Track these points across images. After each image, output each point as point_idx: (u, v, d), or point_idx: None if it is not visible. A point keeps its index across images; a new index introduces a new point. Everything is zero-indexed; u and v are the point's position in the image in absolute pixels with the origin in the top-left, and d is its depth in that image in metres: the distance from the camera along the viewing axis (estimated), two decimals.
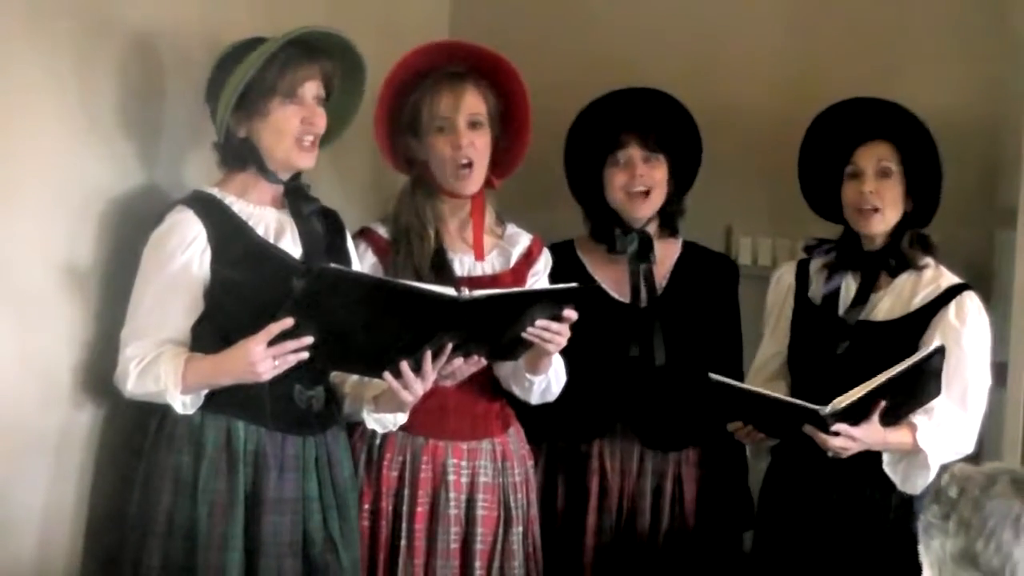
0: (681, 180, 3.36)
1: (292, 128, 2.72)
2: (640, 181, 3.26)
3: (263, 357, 2.55)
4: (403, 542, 2.99)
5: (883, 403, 2.87)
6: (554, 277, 3.14)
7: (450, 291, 2.60)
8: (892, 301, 3.12)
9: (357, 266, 2.92)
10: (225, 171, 2.79)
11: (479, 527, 3.03)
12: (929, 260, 3.14)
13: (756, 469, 3.36)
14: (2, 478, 2.57)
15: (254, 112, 2.71)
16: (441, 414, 3.00)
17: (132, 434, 2.75)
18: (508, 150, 3.11)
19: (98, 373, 2.72)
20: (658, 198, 3.30)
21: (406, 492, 3.01)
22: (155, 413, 2.69)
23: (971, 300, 3.07)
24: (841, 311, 3.15)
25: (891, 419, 2.93)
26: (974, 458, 2.90)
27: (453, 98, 2.99)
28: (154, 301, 2.66)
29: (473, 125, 3.00)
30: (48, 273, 2.64)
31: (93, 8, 2.70)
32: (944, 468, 2.61)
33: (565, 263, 3.26)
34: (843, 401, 2.84)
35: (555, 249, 3.26)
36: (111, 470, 2.79)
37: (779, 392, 3.10)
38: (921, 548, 1.82)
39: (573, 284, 2.90)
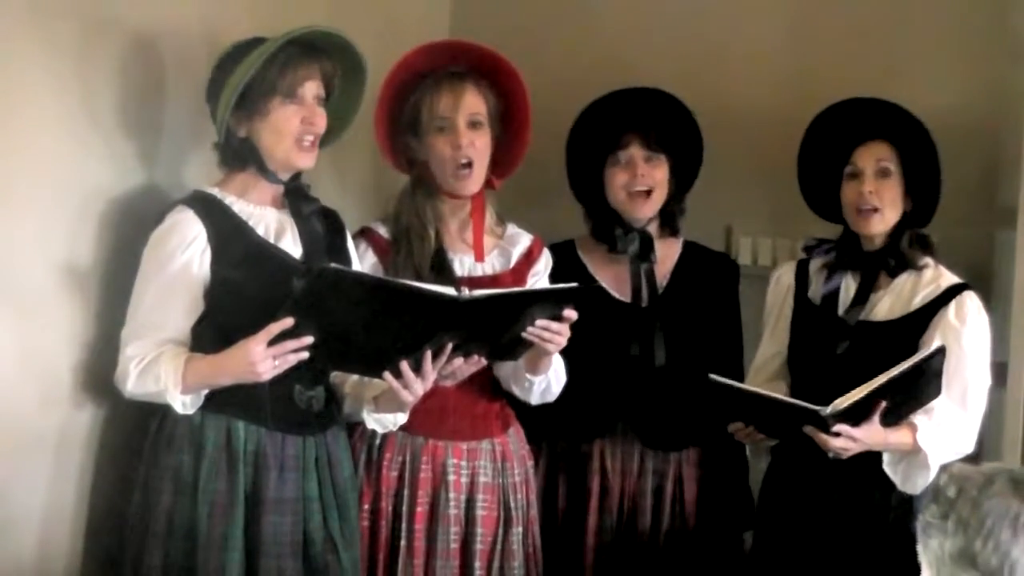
0: (682, 180, 3.36)
1: (292, 128, 2.72)
2: (641, 181, 3.26)
3: (263, 357, 2.55)
4: (403, 542, 2.99)
5: (884, 403, 2.87)
6: (555, 277, 3.14)
7: (450, 291, 2.60)
8: (892, 301, 3.12)
9: (357, 266, 2.92)
10: (225, 171, 2.79)
11: (479, 527, 3.03)
12: (928, 260, 3.14)
13: (756, 469, 3.36)
14: (2, 478, 2.57)
15: (254, 112, 2.71)
16: (441, 414, 3.01)
17: (132, 434, 2.75)
18: (508, 150, 3.10)
19: (98, 373, 2.72)
20: (659, 198, 3.30)
21: (406, 492, 3.01)
22: (155, 413, 2.69)
23: (971, 300, 3.07)
24: (841, 311, 3.15)
25: (892, 419, 2.93)
26: (974, 458, 2.90)
27: (453, 98, 2.99)
28: (154, 301, 2.66)
29: (473, 125, 3.00)
30: (48, 273, 2.64)
31: (93, 8, 2.70)
32: (943, 468, 2.61)
33: (566, 263, 3.26)
34: (844, 402, 2.84)
35: (556, 249, 3.26)
36: (111, 470, 2.79)
37: (779, 392, 3.10)
38: (920, 548, 1.82)
39: (573, 284, 2.89)
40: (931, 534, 1.80)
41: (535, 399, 3.08)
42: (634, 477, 3.28)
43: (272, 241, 2.75)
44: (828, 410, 2.84)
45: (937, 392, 2.95)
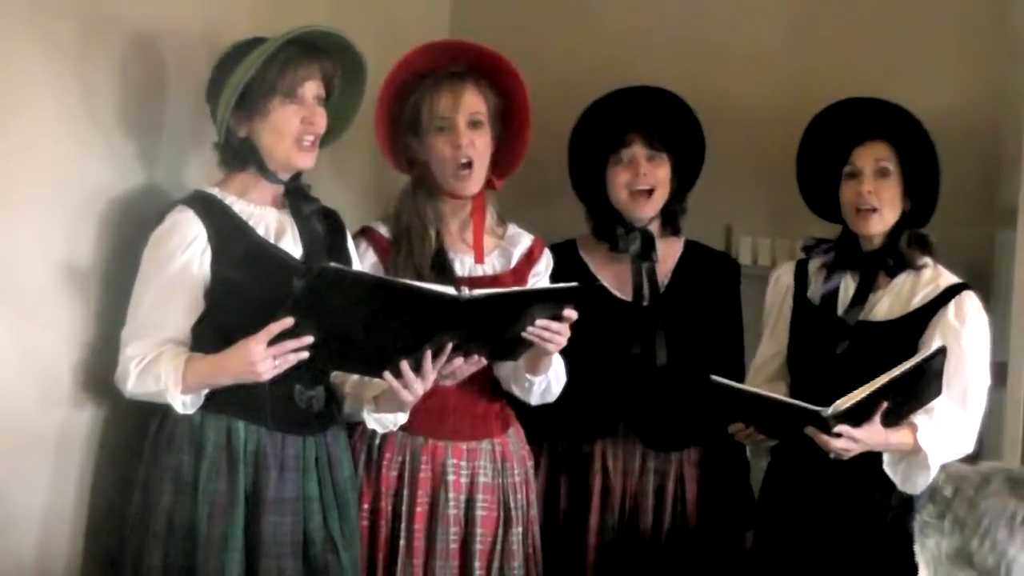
0: (684, 179, 3.36)
1: (292, 128, 2.72)
2: (643, 180, 3.26)
3: (263, 357, 2.55)
4: (402, 542, 2.99)
5: (885, 404, 2.87)
6: (556, 276, 3.14)
7: (450, 290, 2.60)
8: (891, 301, 3.12)
9: (357, 266, 2.92)
10: (225, 171, 2.79)
11: (478, 527, 3.03)
12: (927, 260, 3.14)
13: (756, 469, 3.36)
14: (2, 478, 2.58)
15: (254, 112, 2.71)
16: (441, 414, 3.01)
17: (132, 434, 2.76)
18: (509, 150, 3.10)
19: (98, 373, 2.72)
20: (661, 197, 3.30)
21: (405, 492, 3.01)
22: (155, 413, 2.69)
23: (970, 300, 3.07)
24: (840, 311, 3.15)
25: (892, 420, 2.93)
26: (974, 458, 2.90)
27: (453, 98, 2.99)
28: (154, 301, 2.66)
29: (473, 125, 3.00)
30: (48, 273, 2.64)
31: (93, 8, 2.70)
32: (941, 468, 2.61)
33: (567, 262, 3.26)
34: (845, 402, 2.84)
35: (557, 249, 3.26)
36: (111, 470, 2.80)
37: (779, 393, 3.10)
38: (917, 547, 1.82)
39: (573, 283, 2.89)
40: (928, 534, 1.80)
41: (535, 399, 3.08)
42: (635, 477, 3.28)
43: (272, 241, 2.75)
44: (829, 411, 2.84)
45: (938, 392, 2.95)
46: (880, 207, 3.09)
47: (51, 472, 2.69)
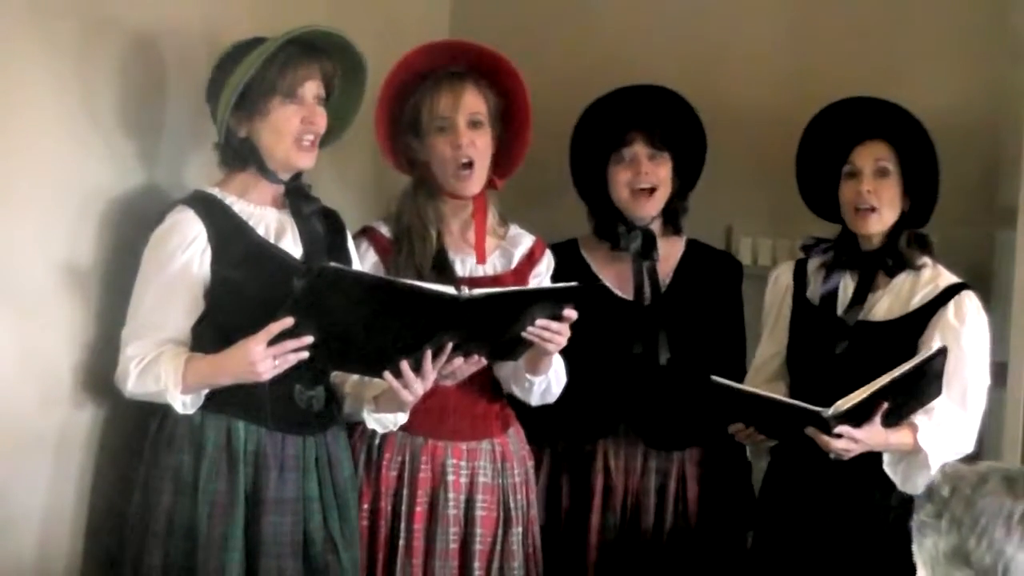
0: (685, 178, 3.37)
1: (292, 128, 2.72)
2: (645, 179, 3.27)
3: (263, 357, 2.55)
4: (401, 542, 2.99)
5: (885, 404, 2.87)
6: (558, 276, 3.14)
7: (450, 290, 2.60)
8: (891, 301, 3.12)
9: (358, 266, 2.91)
10: (225, 171, 2.79)
11: (478, 527, 3.03)
12: (927, 260, 3.14)
13: (756, 469, 3.36)
14: (2, 478, 2.57)
15: (254, 112, 2.71)
16: (441, 414, 3.01)
17: (132, 434, 2.75)
18: (509, 150, 3.10)
19: (98, 373, 2.72)
20: (662, 196, 3.30)
21: (405, 492, 3.01)
22: (155, 413, 2.69)
23: (970, 300, 3.07)
24: (839, 311, 3.15)
25: (892, 420, 2.93)
26: (974, 458, 2.90)
27: (453, 98, 2.99)
28: (154, 301, 2.66)
29: (473, 125, 3.00)
30: (48, 273, 2.64)
31: (93, 8, 2.70)
32: (940, 467, 2.61)
33: (569, 262, 3.26)
34: (846, 403, 2.84)
35: (559, 248, 3.26)
36: (111, 470, 2.79)
37: (779, 393, 3.10)
38: (915, 547, 1.82)
39: (573, 283, 2.89)
40: (925, 533, 1.80)
41: (535, 400, 3.08)
42: (637, 476, 3.28)
43: (272, 241, 2.75)
44: (830, 411, 2.84)
45: (938, 392, 2.95)
46: (879, 207, 3.10)
47: (51, 472, 2.69)
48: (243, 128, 2.73)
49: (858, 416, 2.87)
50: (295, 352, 2.56)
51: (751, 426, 3.09)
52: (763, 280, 3.39)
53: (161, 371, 2.61)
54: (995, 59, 3.71)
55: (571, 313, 2.77)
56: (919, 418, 2.98)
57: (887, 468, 3.01)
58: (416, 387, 2.67)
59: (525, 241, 3.14)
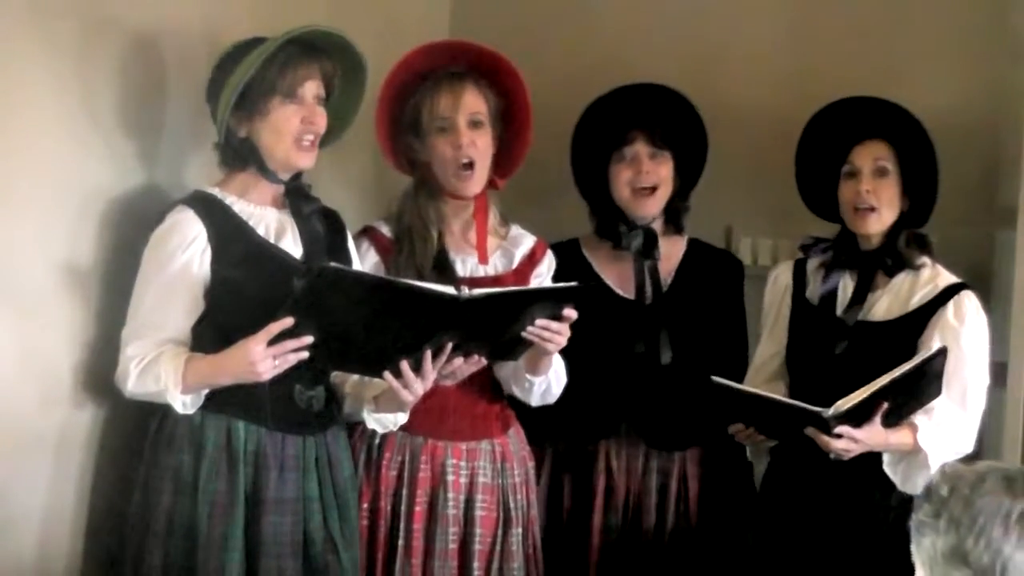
0: (687, 177, 3.37)
1: (292, 128, 2.72)
2: (646, 178, 3.27)
3: (263, 357, 2.55)
4: (401, 542, 2.99)
5: (885, 405, 2.87)
6: (559, 276, 3.14)
7: (450, 290, 2.59)
8: (890, 301, 3.12)
9: (358, 266, 2.91)
10: (226, 171, 2.79)
11: (477, 528, 3.03)
12: (926, 259, 3.14)
13: (756, 469, 3.35)
14: (2, 478, 2.57)
15: (254, 112, 2.71)
16: (441, 414, 3.00)
17: (132, 434, 2.75)
18: (510, 150, 3.10)
19: (98, 373, 2.72)
20: (663, 195, 3.30)
21: (404, 492, 3.01)
22: (155, 413, 2.69)
23: (969, 299, 3.07)
24: (839, 311, 3.15)
25: (892, 420, 2.93)
26: (974, 457, 2.90)
27: (453, 98, 2.99)
28: (155, 301, 2.66)
29: (474, 125, 3.00)
30: (48, 273, 2.64)
31: (93, 8, 2.69)
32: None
33: (570, 261, 3.26)
34: (846, 403, 2.84)
35: (560, 248, 3.26)
36: (111, 470, 2.79)
37: (778, 393, 3.10)
38: (913, 547, 1.82)
39: (573, 283, 2.89)
40: (924, 533, 1.80)
41: (535, 400, 3.08)
42: (639, 476, 3.28)
43: (272, 241, 2.75)
44: (830, 412, 2.84)
45: (938, 392, 2.96)
46: (878, 206, 3.10)
47: (51, 472, 2.69)
48: (243, 128, 2.73)
49: (858, 416, 2.87)
50: (295, 352, 2.56)
51: (751, 426, 3.09)
52: (763, 280, 3.39)
53: (161, 371, 2.61)
54: (995, 59, 3.71)
55: (571, 313, 2.77)
56: (919, 418, 2.98)
57: (887, 468, 3.01)
58: (416, 387, 2.67)
59: (526, 241, 3.14)
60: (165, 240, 2.66)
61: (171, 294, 2.65)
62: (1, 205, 2.50)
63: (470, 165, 2.99)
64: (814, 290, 3.22)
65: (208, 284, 2.68)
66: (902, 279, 3.13)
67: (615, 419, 3.27)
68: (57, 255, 2.65)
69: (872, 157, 3.11)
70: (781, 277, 3.30)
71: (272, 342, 2.54)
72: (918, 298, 3.09)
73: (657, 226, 3.33)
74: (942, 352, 2.91)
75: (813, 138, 3.24)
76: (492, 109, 3.04)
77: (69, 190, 2.67)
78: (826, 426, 2.86)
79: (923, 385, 2.93)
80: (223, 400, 2.66)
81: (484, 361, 2.77)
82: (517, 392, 3.08)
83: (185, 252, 2.65)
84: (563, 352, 2.92)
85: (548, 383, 3.05)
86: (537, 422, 3.20)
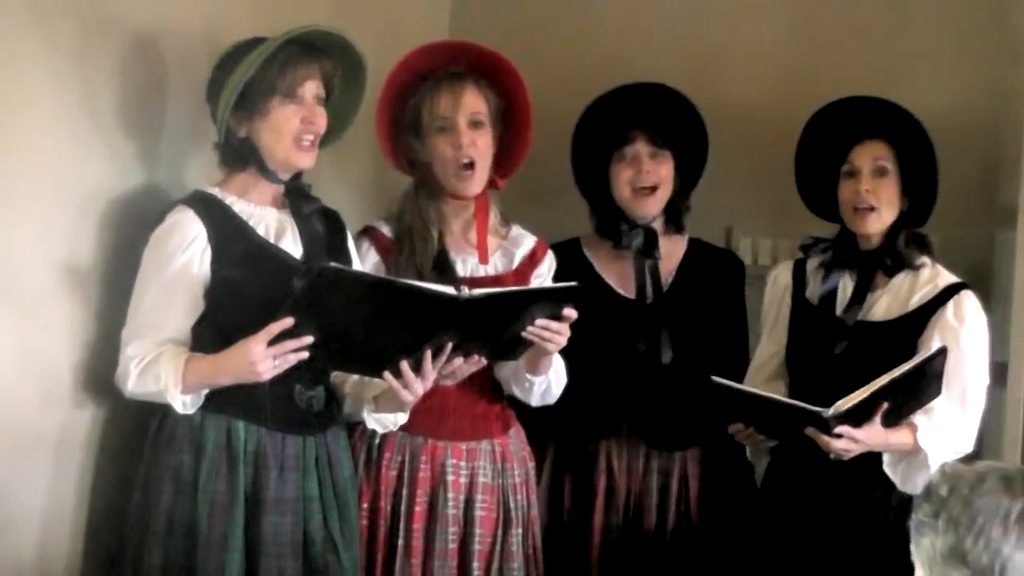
0: (687, 177, 3.37)
1: (292, 128, 2.72)
2: (647, 177, 3.27)
3: (263, 357, 2.55)
4: (400, 541, 2.99)
5: (885, 405, 2.87)
6: (560, 275, 3.14)
7: (450, 290, 2.59)
8: (890, 301, 3.12)
9: (358, 266, 2.92)
10: (226, 171, 2.79)
11: (477, 528, 3.03)
12: (926, 259, 3.14)
13: (756, 469, 3.35)
14: (2, 478, 2.57)
15: (254, 112, 2.71)
16: (441, 414, 3.01)
17: (132, 434, 2.75)
18: (510, 150, 3.10)
19: (98, 373, 2.72)
20: (664, 194, 3.30)
21: (404, 492, 3.01)
22: (155, 413, 2.69)
23: (969, 299, 3.07)
24: (839, 311, 3.15)
25: (892, 420, 2.93)
26: (974, 457, 2.90)
27: (453, 98, 2.99)
28: (155, 301, 2.66)
29: (474, 125, 3.00)
30: (48, 273, 2.64)
31: (93, 8, 2.70)
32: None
33: (571, 261, 3.27)
34: (846, 403, 2.84)
35: (561, 247, 3.27)
36: (111, 470, 2.79)
37: (778, 393, 3.10)
38: (913, 547, 1.82)
39: (573, 283, 2.90)
40: (923, 532, 1.79)
41: (535, 400, 3.08)
42: (639, 476, 3.28)
43: (272, 241, 2.75)
44: (830, 412, 2.84)
45: (937, 392, 2.96)
46: (878, 206, 3.10)
47: (51, 472, 2.69)
48: (243, 128, 2.73)
49: (858, 416, 2.87)
50: (295, 352, 2.56)
51: (751, 426, 3.09)
52: (763, 280, 3.40)
53: (161, 371, 2.62)
54: (995, 59, 3.71)
55: (571, 313, 2.77)
56: (919, 418, 2.98)
57: (887, 468, 3.01)
58: (416, 387, 2.67)
59: (527, 242, 3.14)
60: (165, 240, 2.66)
61: (171, 294, 2.65)
62: (1, 205, 2.50)
63: (470, 165, 2.99)
64: (814, 290, 3.22)
65: (208, 284, 2.68)
66: (902, 279, 3.13)
67: (616, 419, 3.27)
68: (57, 255, 2.66)
69: (872, 157, 3.12)
70: (781, 277, 3.30)
71: (272, 342, 2.54)
72: (918, 298, 3.09)
73: (658, 226, 3.33)
74: (942, 352, 2.91)
75: (813, 138, 3.24)
76: (492, 109, 3.04)
77: (69, 190, 2.67)
78: (826, 426, 2.86)
79: (923, 385, 2.93)
80: (223, 400, 2.66)
81: (484, 361, 2.77)
82: (517, 392, 3.08)
83: (185, 252, 2.65)
84: (564, 352, 2.92)
85: (548, 383, 3.05)
86: (538, 422, 3.20)
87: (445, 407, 3.00)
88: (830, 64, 3.79)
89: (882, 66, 3.74)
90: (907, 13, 3.82)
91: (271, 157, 2.74)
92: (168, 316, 2.66)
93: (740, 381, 3.15)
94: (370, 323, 2.57)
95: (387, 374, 2.65)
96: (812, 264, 3.24)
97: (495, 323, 2.71)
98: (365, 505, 3.00)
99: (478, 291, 2.61)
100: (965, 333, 3.02)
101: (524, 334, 2.76)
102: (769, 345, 3.28)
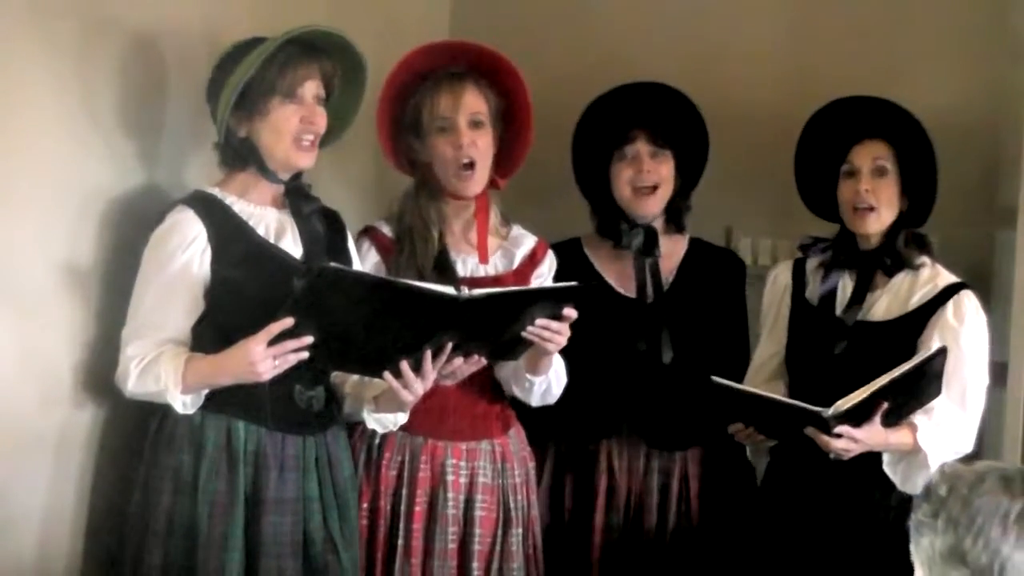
0: (688, 176, 3.37)
1: (291, 127, 2.72)
2: (647, 177, 3.27)
3: (263, 357, 2.55)
4: (400, 541, 2.99)
5: (885, 404, 2.87)
6: (561, 275, 3.14)
7: (450, 290, 2.59)
8: (889, 301, 3.12)
9: (358, 266, 2.92)
10: (226, 171, 2.79)
11: (477, 528, 3.03)
12: (925, 259, 3.14)
13: (756, 469, 3.35)
14: (2, 478, 2.57)
15: (254, 112, 2.71)
16: (441, 414, 3.01)
17: (132, 434, 2.75)
18: (511, 150, 3.10)
19: (98, 373, 2.72)
20: (664, 194, 3.30)
21: (404, 491, 3.01)
22: (155, 413, 2.69)
23: (968, 299, 3.07)
24: (838, 311, 3.15)
25: (892, 420, 2.93)
26: (974, 457, 2.90)
27: (453, 98, 2.99)
28: (155, 301, 2.66)
29: (474, 125, 3.00)
30: (48, 273, 2.64)
31: (93, 8, 2.70)
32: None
33: (572, 260, 3.27)
34: (846, 403, 2.84)
35: (562, 247, 3.27)
36: (111, 470, 2.79)
37: (778, 393, 3.10)
38: (912, 547, 1.82)
39: (573, 283, 2.90)
40: (922, 532, 1.79)
41: (535, 400, 3.08)
42: (640, 475, 3.28)
43: (272, 241, 2.75)
44: (830, 411, 2.84)
45: (937, 392, 2.96)
46: (877, 206, 3.10)
47: (51, 472, 2.69)
48: (243, 128, 2.73)
49: (858, 416, 2.87)
50: (295, 352, 2.56)
51: (751, 426, 3.09)
52: (763, 280, 3.39)
53: (161, 371, 2.62)
54: (995, 59, 3.71)
55: (571, 313, 2.77)
56: (919, 418, 2.98)
57: (887, 468, 3.01)
58: (416, 387, 2.67)
59: (527, 242, 3.14)
60: (165, 240, 2.66)
61: (171, 294, 2.65)
62: (1, 205, 2.50)
63: (471, 165, 2.99)
64: (813, 290, 3.22)
65: (208, 284, 2.68)
66: (901, 279, 3.13)
67: (617, 419, 3.27)
68: (57, 255, 2.66)
69: (871, 157, 3.12)
70: (780, 277, 3.30)
71: (272, 342, 2.54)
72: (917, 298, 3.09)
73: (658, 225, 3.33)
74: (942, 352, 2.91)
75: (812, 137, 3.24)
76: (493, 109, 3.04)
77: (69, 190, 2.67)
78: (826, 426, 2.86)
79: (923, 385, 2.93)
80: (223, 400, 2.66)
81: (484, 361, 2.77)
82: (517, 392, 3.08)
83: (185, 252, 2.65)
84: (565, 351, 2.92)
85: (548, 383, 3.05)
86: (539, 422, 3.20)
87: (445, 407, 3.00)
88: (830, 64, 3.79)
89: (882, 66, 3.74)
90: (907, 13, 3.82)
91: (271, 157, 2.74)
92: (168, 316, 2.66)
93: (741, 381, 3.15)
94: (370, 323, 2.57)
95: (387, 374, 2.65)
96: (812, 264, 3.25)
97: (495, 323, 2.71)
98: (365, 505, 3.00)
99: (478, 291, 2.61)
100: (965, 333, 3.03)
101: (524, 334, 2.76)
102: (769, 345, 3.28)
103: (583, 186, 3.40)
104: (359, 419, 2.88)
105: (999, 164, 3.69)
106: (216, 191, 2.75)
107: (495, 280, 3.03)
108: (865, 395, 2.84)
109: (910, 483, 2.99)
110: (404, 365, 2.64)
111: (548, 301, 2.76)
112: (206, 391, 2.65)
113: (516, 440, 3.14)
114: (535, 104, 3.09)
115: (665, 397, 3.25)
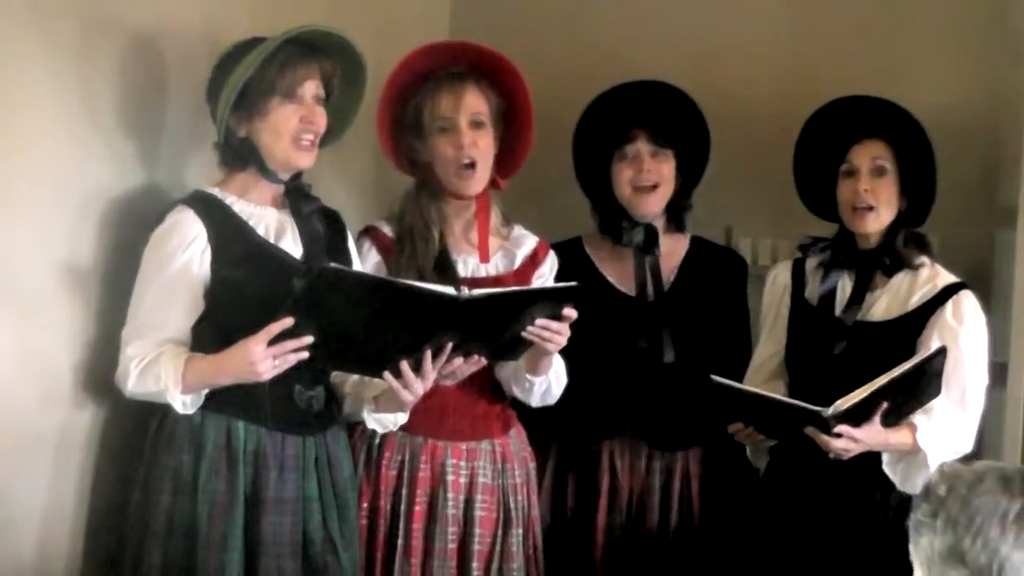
0: (689, 175, 3.37)
1: (291, 127, 2.72)
2: (648, 176, 3.27)
3: (263, 357, 2.55)
4: (400, 541, 2.99)
5: (885, 404, 2.87)
6: (562, 274, 3.14)
7: (450, 290, 2.59)
8: (889, 301, 3.12)
9: (358, 266, 2.92)
10: (225, 171, 2.79)
11: (477, 528, 3.03)
12: (925, 259, 3.14)
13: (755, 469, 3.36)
14: (2, 478, 2.57)
15: (254, 112, 2.71)
16: (441, 414, 3.01)
17: (132, 434, 2.75)
18: (512, 150, 3.10)
19: (98, 373, 2.72)
20: (665, 193, 3.30)
21: (404, 491, 3.01)
22: (155, 413, 2.69)
23: (968, 299, 3.07)
24: (838, 311, 3.15)
25: (892, 419, 2.93)
26: (974, 457, 2.90)
27: (454, 98, 2.99)
28: (154, 301, 2.66)
29: (475, 125, 3.00)
30: (48, 273, 2.64)
31: (93, 8, 2.70)
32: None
33: (573, 260, 3.27)
34: (846, 403, 2.84)
35: (563, 246, 3.27)
36: (111, 470, 2.79)
37: (778, 393, 3.10)
38: (911, 547, 1.82)
39: (573, 283, 2.90)
40: (922, 532, 1.80)
41: (535, 401, 3.08)
42: (642, 475, 3.28)
43: (272, 241, 2.75)
44: (830, 411, 2.84)
45: (937, 392, 2.96)
46: (876, 206, 3.10)
47: (51, 472, 2.69)
48: (243, 128, 2.73)
49: (858, 416, 2.87)
50: (295, 352, 2.56)
51: (751, 426, 3.09)
52: (762, 280, 3.39)
53: (161, 371, 2.62)
54: (995, 59, 3.71)
55: (571, 312, 2.77)
56: (918, 418, 2.98)
57: (886, 468, 3.01)
58: (416, 387, 2.67)
59: (528, 242, 3.14)
60: (165, 240, 2.66)
61: (171, 294, 2.65)
62: (1, 205, 2.51)
63: (472, 165, 2.99)
64: (813, 290, 3.22)
65: (208, 284, 2.68)
66: (901, 279, 3.13)
67: (618, 419, 3.27)
68: (57, 255, 2.66)
69: (870, 156, 3.12)
70: (780, 277, 3.30)
71: (272, 342, 2.54)
72: (917, 298, 3.09)
73: (659, 224, 3.33)
74: (941, 352, 2.91)
75: (811, 137, 3.24)
76: (493, 109, 3.04)
77: (69, 190, 2.67)
78: (826, 425, 2.86)
79: (922, 385, 2.93)
80: (223, 400, 2.66)
81: (484, 361, 2.77)
82: (517, 392, 3.08)
83: (185, 252, 2.66)
84: (566, 351, 2.92)
85: (548, 383, 3.05)
86: (541, 423, 3.20)
87: (445, 407, 3.00)
88: (830, 64, 3.79)
89: (882, 66, 3.74)
90: (907, 13, 3.82)
91: (271, 157, 2.74)
92: (168, 316, 2.66)
93: (742, 380, 3.15)
94: (370, 323, 2.58)
95: (387, 374, 2.65)
96: (811, 264, 3.25)
97: (495, 323, 2.71)
98: (365, 505, 3.00)
99: (478, 291, 2.61)
100: (964, 333, 3.03)
101: (524, 334, 2.76)
102: (768, 345, 3.28)
103: (584, 185, 3.40)
104: (359, 419, 2.88)
105: (999, 164, 3.69)
106: (216, 191, 2.75)
107: (496, 280, 3.03)
108: (865, 395, 2.84)
109: (910, 483, 2.99)
110: (404, 365, 2.64)
111: (548, 301, 2.76)
112: (206, 391, 2.65)
113: (516, 440, 3.14)
114: (536, 104, 3.09)
115: (666, 397, 3.25)
